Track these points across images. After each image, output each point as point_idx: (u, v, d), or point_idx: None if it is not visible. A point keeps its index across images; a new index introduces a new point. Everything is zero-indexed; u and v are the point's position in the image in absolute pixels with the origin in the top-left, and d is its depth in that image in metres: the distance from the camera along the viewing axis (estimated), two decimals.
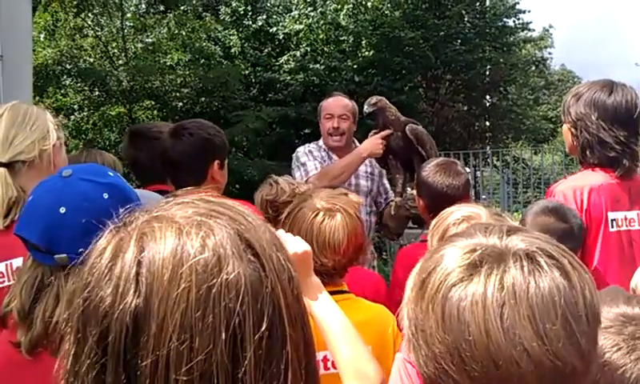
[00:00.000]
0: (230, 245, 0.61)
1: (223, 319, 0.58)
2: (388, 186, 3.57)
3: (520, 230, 0.81)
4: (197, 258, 0.59)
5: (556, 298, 0.73)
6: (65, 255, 1.16)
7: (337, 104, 3.39)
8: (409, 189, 3.21)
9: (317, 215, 1.66)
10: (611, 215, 2.19)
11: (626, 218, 2.20)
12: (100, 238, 0.65)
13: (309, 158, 3.35)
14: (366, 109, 3.29)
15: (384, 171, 3.52)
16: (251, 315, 0.59)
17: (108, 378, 0.58)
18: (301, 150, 3.44)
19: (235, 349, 0.58)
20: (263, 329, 0.59)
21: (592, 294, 0.76)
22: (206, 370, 0.57)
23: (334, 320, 1.25)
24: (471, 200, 2.57)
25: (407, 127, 3.26)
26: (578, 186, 2.19)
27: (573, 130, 2.24)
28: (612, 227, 2.19)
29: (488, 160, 14.15)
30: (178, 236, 0.61)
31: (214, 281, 0.59)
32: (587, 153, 2.21)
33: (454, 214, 1.58)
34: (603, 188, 2.18)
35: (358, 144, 3.41)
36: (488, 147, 15.87)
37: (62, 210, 1.17)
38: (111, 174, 1.28)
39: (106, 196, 1.17)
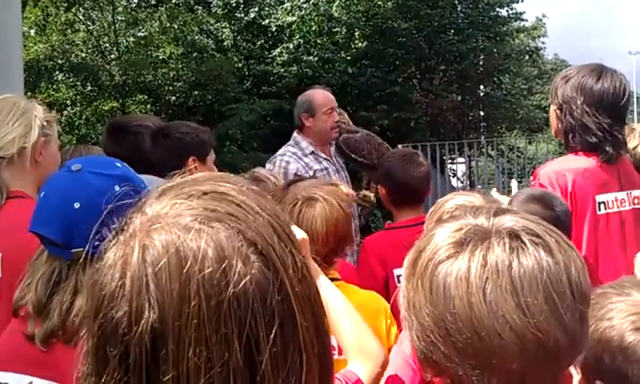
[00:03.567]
0: (231, 249, 0.61)
1: (235, 329, 0.59)
2: (347, 178, 3.47)
3: (508, 211, 0.84)
4: (202, 273, 0.60)
5: (538, 274, 0.75)
6: (81, 249, 1.16)
7: (332, 98, 3.35)
8: (364, 190, 3.26)
9: (296, 204, 1.64)
10: (599, 198, 2.18)
11: (616, 199, 2.20)
12: (105, 251, 0.65)
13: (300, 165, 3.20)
14: None
15: (343, 166, 3.44)
16: (262, 318, 0.60)
17: None
18: (289, 159, 3.20)
19: (251, 353, 0.60)
20: (275, 327, 0.61)
21: (579, 273, 0.78)
22: (224, 377, 0.58)
23: (335, 301, 1.28)
24: (430, 190, 2.69)
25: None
26: (562, 170, 2.18)
27: (558, 111, 2.24)
28: (600, 210, 2.18)
29: (483, 150, 14.17)
30: (180, 248, 0.61)
31: (223, 296, 0.59)
32: (570, 137, 2.21)
33: (448, 203, 1.59)
34: (589, 171, 2.17)
35: None
36: (482, 137, 15.89)
37: (77, 205, 1.19)
38: (119, 165, 1.29)
39: (117, 188, 1.18)
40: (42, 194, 1.26)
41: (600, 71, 2.20)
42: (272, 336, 0.60)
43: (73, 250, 1.18)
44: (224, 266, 0.60)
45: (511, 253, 0.76)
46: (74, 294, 1.19)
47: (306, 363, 0.62)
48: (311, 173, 3.18)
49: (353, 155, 3.28)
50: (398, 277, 2.30)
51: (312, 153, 3.29)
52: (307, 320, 0.64)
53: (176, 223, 0.62)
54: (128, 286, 0.61)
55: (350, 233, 1.72)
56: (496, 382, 0.76)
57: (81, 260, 1.18)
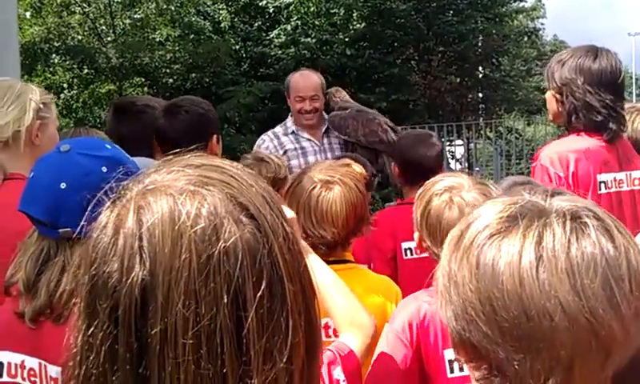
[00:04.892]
0: (224, 211, 0.63)
1: (224, 284, 0.61)
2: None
3: (565, 193, 0.80)
4: (194, 229, 0.61)
5: (598, 257, 0.71)
6: (69, 229, 1.19)
7: (307, 86, 3.28)
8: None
9: (314, 188, 1.63)
10: (600, 178, 2.21)
11: (615, 180, 2.23)
12: (100, 214, 0.66)
13: (273, 143, 3.30)
14: None
15: (334, 148, 3.41)
16: (250, 276, 0.62)
17: (120, 347, 0.61)
18: (265, 138, 3.35)
19: (238, 310, 0.61)
20: (263, 287, 0.62)
21: (638, 262, 0.73)
22: (211, 332, 0.60)
23: (326, 277, 1.31)
24: (444, 170, 2.71)
25: (327, 117, 3.31)
26: (564, 151, 2.20)
27: (558, 95, 2.25)
28: (601, 189, 2.21)
29: (481, 132, 14.16)
30: (173, 207, 0.62)
31: (213, 250, 0.61)
32: (573, 118, 2.22)
33: (437, 185, 1.58)
34: (590, 152, 2.20)
35: (325, 116, 3.38)
36: (481, 119, 15.88)
37: (63, 185, 1.20)
38: (109, 146, 1.30)
39: (104, 169, 1.19)
40: (31, 175, 1.28)
41: (595, 51, 2.23)
42: (259, 295, 0.61)
43: (60, 230, 1.20)
44: (216, 223, 0.62)
45: (571, 232, 0.72)
46: (61, 272, 1.21)
47: (292, 328, 0.63)
48: (281, 151, 3.22)
49: (336, 133, 3.30)
50: (406, 250, 2.35)
51: (293, 133, 3.32)
52: (295, 288, 0.65)
53: (171, 186, 0.64)
54: (121, 242, 0.62)
55: (367, 213, 1.73)
56: (539, 368, 0.70)
57: (68, 239, 1.20)
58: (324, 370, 1.11)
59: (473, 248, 0.75)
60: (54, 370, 1.19)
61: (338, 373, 1.15)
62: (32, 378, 1.22)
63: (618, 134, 2.21)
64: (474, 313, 0.73)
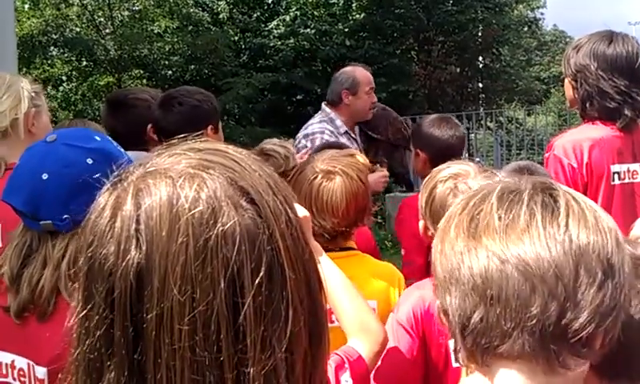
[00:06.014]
0: (223, 195, 0.62)
1: (221, 269, 0.60)
2: None
3: (541, 177, 0.87)
4: (192, 212, 0.60)
5: (524, 217, 0.76)
6: (50, 221, 1.16)
7: (371, 77, 3.27)
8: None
9: (316, 178, 1.64)
10: (614, 168, 2.18)
11: (629, 171, 2.20)
12: (99, 196, 0.66)
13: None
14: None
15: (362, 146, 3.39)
16: (249, 262, 0.61)
17: (116, 331, 0.60)
18: (329, 138, 3.10)
19: (235, 296, 0.60)
20: (262, 274, 0.61)
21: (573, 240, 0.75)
22: (207, 318, 0.59)
23: (335, 278, 1.29)
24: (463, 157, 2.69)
25: None
26: (578, 140, 2.17)
27: (573, 82, 2.22)
28: (614, 180, 2.18)
29: (481, 122, 14.12)
30: (172, 190, 0.62)
31: (210, 233, 0.60)
32: (587, 105, 2.19)
33: (442, 172, 1.58)
34: (605, 141, 2.16)
35: None
36: (481, 109, 15.82)
37: (45, 176, 1.17)
38: (98, 138, 1.25)
39: (89, 161, 1.16)
40: (17, 164, 1.25)
41: (610, 36, 2.19)
42: (257, 282, 0.60)
43: (42, 222, 1.17)
44: (214, 206, 0.61)
45: (505, 203, 0.77)
46: (42, 266, 1.18)
47: (292, 317, 0.62)
48: None
49: (369, 133, 3.26)
50: None
51: (346, 132, 3.21)
52: (297, 276, 0.64)
53: (171, 169, 0.63)
54: (118, 224, 0.61)
55: (369, 204, 1.74)
56: (467, 306, 0.76)
57: (50, 233, 1.17)
58: (331, 375, 1.09)
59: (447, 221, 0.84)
60: (40, 372, 1.16)
61: (346, 378, 1.12)
62: (22, 379, 1.19)
63: (633, 121, 2.17)
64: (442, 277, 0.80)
